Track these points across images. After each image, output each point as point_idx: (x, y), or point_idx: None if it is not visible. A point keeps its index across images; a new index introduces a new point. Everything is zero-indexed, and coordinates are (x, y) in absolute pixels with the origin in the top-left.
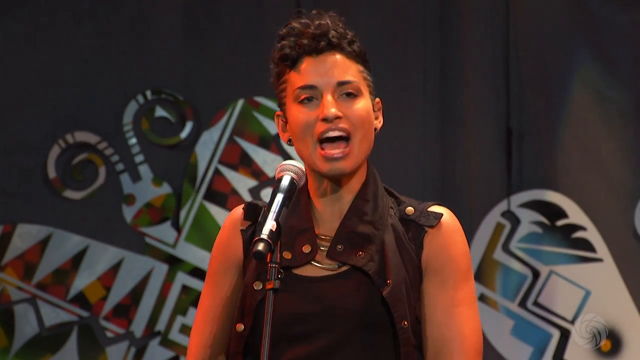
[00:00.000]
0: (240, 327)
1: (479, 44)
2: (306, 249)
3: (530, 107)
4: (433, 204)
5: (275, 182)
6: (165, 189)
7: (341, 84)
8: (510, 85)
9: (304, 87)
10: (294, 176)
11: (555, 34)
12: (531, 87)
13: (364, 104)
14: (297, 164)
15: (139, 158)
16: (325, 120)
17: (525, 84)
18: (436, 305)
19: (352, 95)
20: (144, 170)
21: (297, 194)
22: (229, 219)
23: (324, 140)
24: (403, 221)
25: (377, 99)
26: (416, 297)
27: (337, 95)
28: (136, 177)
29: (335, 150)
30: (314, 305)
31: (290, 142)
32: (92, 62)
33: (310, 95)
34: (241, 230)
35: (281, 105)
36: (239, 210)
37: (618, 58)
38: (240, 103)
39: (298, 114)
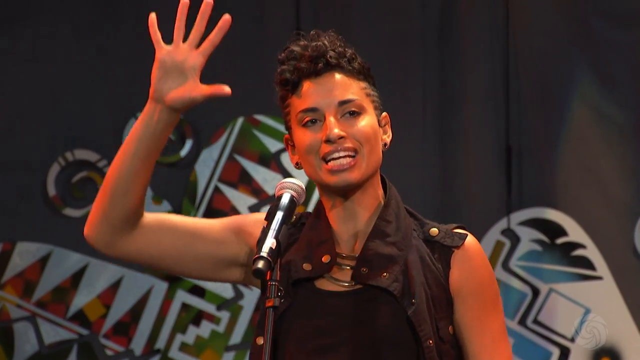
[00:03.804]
0: (261, 340)
1: (478, 61)
2: (325, 259)
3: (529, 125)
4: (456, 226)
5: (275, 200)
6: (165, 207)
7: (342, 103)
8: (509, 103)
9: (306, 111)
10: (294, 194)
11: (554, 51)
12: (531, 105)
13: (368, 120)
14: (297, 181)
15: None
16: (328, 141)
17: (524, 101)
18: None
19: (355, 113)
20: None
21: (315, 215)
22: (255, 215)
23: (329, 160)
24: (427, 242)
25: (384, 114)
26: (441, 316)
27: (340, 114)
28: None
29: (340, 162)
30: (335, 320)
31: (298, 165)
32: (92, 80)
33: (313, 118)
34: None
35: (288, 128)
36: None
37: (617, 76)
38: (240, 121)
39: (303, 137)
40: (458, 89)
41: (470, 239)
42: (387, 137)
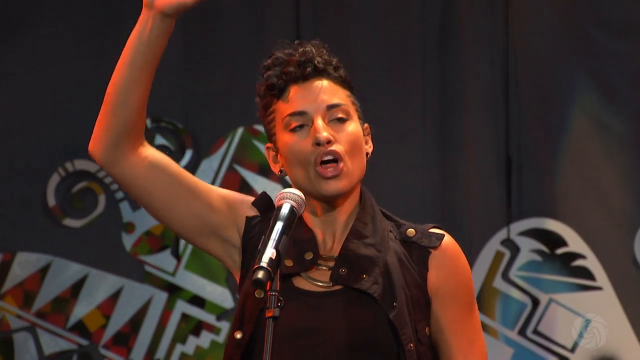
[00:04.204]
0: (239, 334)
1: (478, 71)
2: (308, 256)
3: (529, 135)
4: (432, 226)
5: (274, 210)
6: None
7: (331, 107)
8: (509, 113)
9: (294, 114)
10: (294, 204)
11: (555, 61)
12: (531, 115)
13: (354, 127)
14: (296, 192)
15: None
16: (317, 144)
17: (524, 111)
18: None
19: (342, 118)
20: None
21: None
22: (248, 197)
23: (318, 163)
24: (404, 243)
25: (366, 125)
26: (419, 317)
27: (328, 119)
28: (136, 205)
29: (328, 170)
30: (315, 321)
31: (282, 172)
32: (92, 90)
33: (301, 122)
34: (246, 217)
35: (271, 136)
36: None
37: (617, 86)
38: (239, 131)
39: (289, 141)
40: (458, 99)
41: (447, 239)
42: (369, 148)
